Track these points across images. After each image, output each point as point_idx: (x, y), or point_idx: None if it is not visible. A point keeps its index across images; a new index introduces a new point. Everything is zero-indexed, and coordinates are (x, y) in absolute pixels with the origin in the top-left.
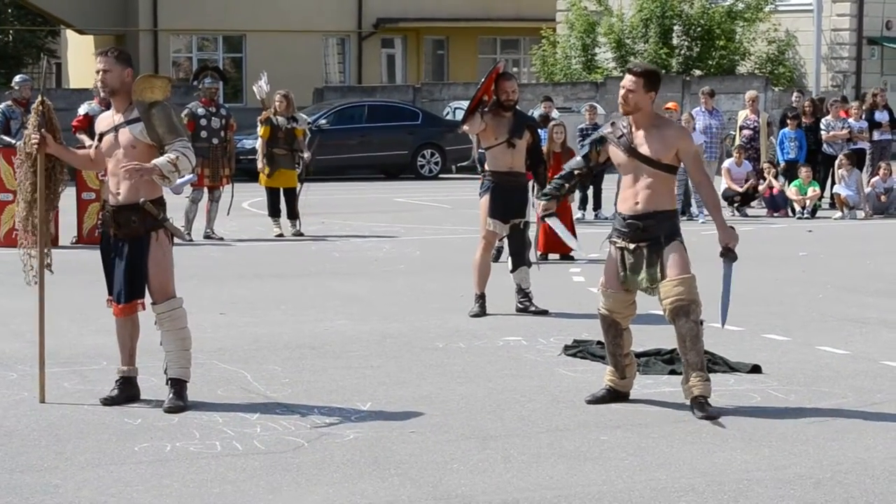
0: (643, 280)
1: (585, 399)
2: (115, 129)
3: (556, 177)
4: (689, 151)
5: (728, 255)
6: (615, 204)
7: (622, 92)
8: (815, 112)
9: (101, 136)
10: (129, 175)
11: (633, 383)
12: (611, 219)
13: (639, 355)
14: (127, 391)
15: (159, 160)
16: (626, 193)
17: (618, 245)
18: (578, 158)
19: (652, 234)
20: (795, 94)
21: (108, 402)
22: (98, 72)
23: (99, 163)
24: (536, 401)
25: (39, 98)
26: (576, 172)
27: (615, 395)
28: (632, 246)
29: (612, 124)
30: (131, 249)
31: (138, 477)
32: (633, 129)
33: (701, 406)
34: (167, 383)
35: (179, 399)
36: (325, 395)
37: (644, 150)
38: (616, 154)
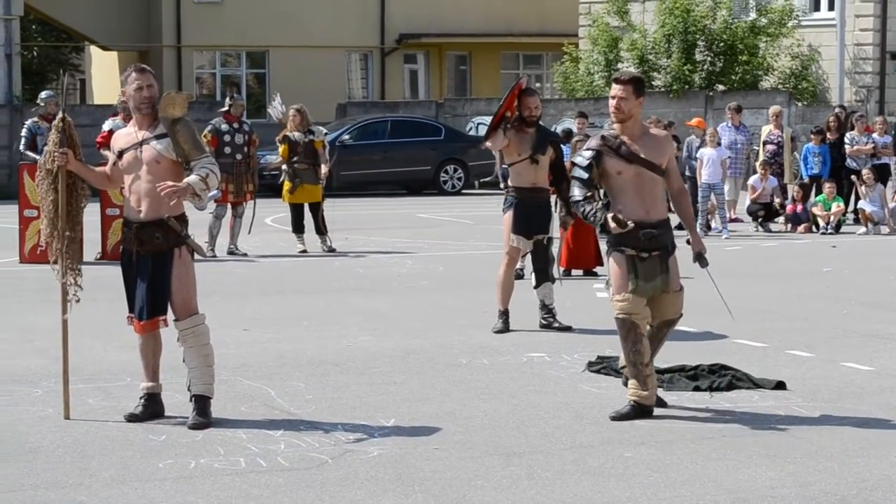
0: (657, 287)
1: (610, 416)
2: (139, 144)
3: (575, 202)
4: (674, 158)
5: (701, 259)
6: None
7: (614, 101)
8: (840, 127)
9: (121, 152)
10: (167, 197)
11: (655, 396)
12: None
13: (663, 371)
14: (151, 408)
15: (191, 179)
16: (630, 202)
17: (627, 253)
18: (583, 192)
19: (663, 242)
20: (837, 108)
21: (133, 418)
22: (140, 88)
23: (115, 180)
24: (560, 417)
25: (60, 115)
26: (588, 198)
27: (640, 410)
28: (645, 255)
29: (602, 137)
30: (154, 266)
31: (163, 494)
32: (626, 137)
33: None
34: (191, 400)
35: (203, 416)
36: (349, 412)
37: (645, 155)
38: (615, 164)
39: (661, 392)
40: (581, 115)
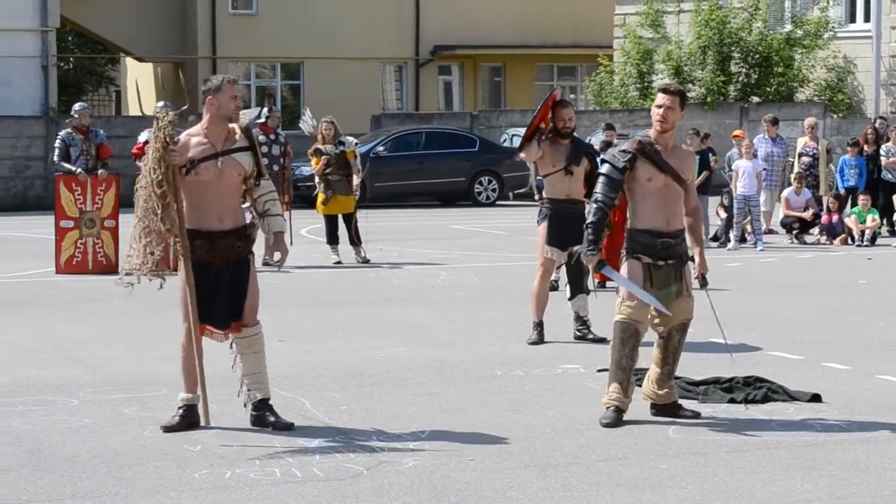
0: (671, 294)
1: (601, 422)
2: (218, 155)
3: (590, 222)
4: (694, 174)
5: (702, 281)
6: (628, 219)
7: (660, 111)
8: (878, 139)
9: (195, 161)
10: (282, 260)
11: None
12: None
13: (697, 383)
14: (189, 418)
15: (281, 225)
16: (652, 211)
17: (644, 261)
18: (609, 192)
19: (678, 251)
20: (878, 120)
21: (169, 429)
22: (235, 97)
23: (188, 188)
24: (595, 429)
25: (165, 111)
26: (613, 206)
27: (622, 414)
28: (660, 263)
29: (639, 142)
30: (235, 273)
31: (198, 503)
32: (660, 146)
33: (683, 407)
34: (254, 407)
35: (280, 416)
36: (384, 423)
37: (675, 167)
38: (647, 170)
39: (695, 405)
40: (609, 126)
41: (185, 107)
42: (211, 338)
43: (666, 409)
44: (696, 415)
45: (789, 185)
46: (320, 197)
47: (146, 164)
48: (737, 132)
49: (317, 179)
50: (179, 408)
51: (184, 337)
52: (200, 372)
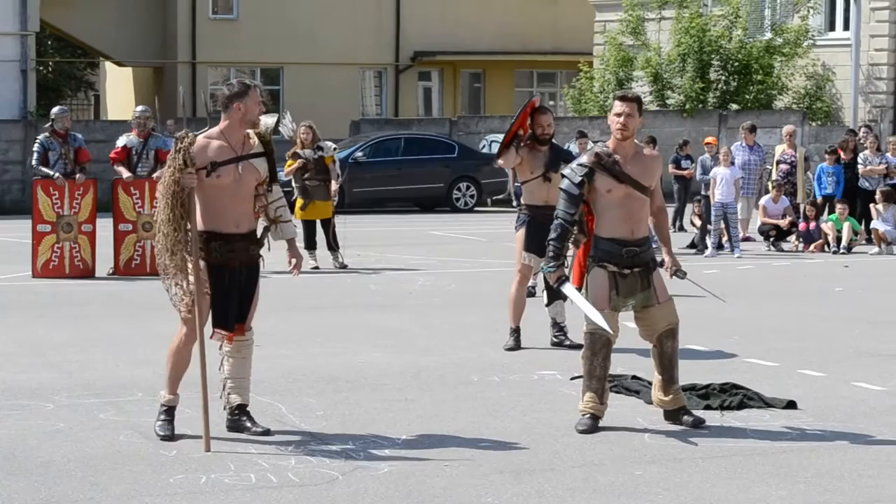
0: (637, 303)
1: (577, 429)
2: (238, 160)
3: (552, 238)
4: (660, 177)
5: (678, 273)
6: (591, 228)
7: (621, 119)
8: (856, 148)
9: (216, 164)
10: (297, 268)
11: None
12: None
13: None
14: (173, 421)
15: (293, 231)
16: (616, 220)
17: (609, 269)
18: (568, 207)
19: (644, 259)
20: (863, 128)
21: (169, 438)
22: (260, 103)
23: (204, 192)
24: (571, 435)
25: (185, 132)
26: (574, 222)
27: (598, 420)
28: (626, 271)
29: (597, 154)
30: (247, 276)
31: None
32: (620, 156)
33: (690, 414)
34: (231, 412)
35: (257, 422)
36: (360, 428)
37: (636, 176)
38: (606, 182)
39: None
40: (581, 134)
41: (207, 128)
42: (221, 341)
43: (676, 415)
44: (700, 422)
45: (766, 192)
46: (298, 202)
47: (163, 190)
48: (709, 139)
49: (292, 181)
50: (165, 411)
51: (181, 340)
52: (204, 387)
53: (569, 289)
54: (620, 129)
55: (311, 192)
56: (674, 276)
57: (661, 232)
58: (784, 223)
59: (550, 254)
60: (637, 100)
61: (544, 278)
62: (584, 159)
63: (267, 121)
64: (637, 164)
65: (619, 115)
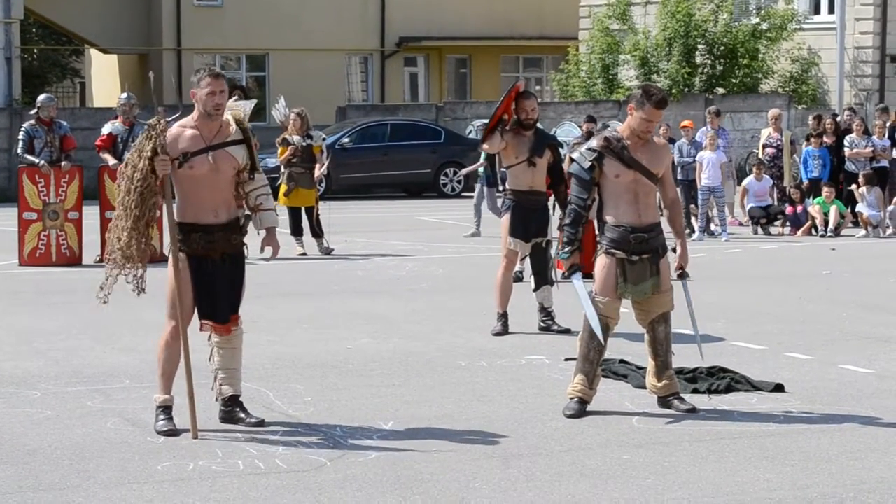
0: (647, 289)
1: (565, 413)
2: (208, 149)
3: (566, 224)
4: (669, 167)
5: (682, 274)
6: (601, 215)
7: (651, 126)
8: (838, 131)
9: (188, 154)
10: (273, 256)
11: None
12: None
13: None
14: (173, 419)
15: (273, 220)
16: (624, 206)
17: (617, 256)
18: (581, 192)
19: (653, 245)
20: (847, 111)
21: (172, 434)
22: (213, 93)
23: (179, 183)
24: (559, 419)
25: (158, 118)
26: (588, 206)
27: (585, 405)
28: (635, 258)
29: (606, 139)
30: (233, 266)
31: (160, 496)
32: (629, 142)
33: (682, 400)
34: (224, 403)
35: (250, 413)
36: (348, 414)
37: (644, 162)
38: (614, 167)
39: (692, 399)
40: (590, 119)
41: (179, 114)
42: (216, 334)
43: (668, 401)
44: (692, 409)
45: (746, 174)
46: (282, 188)
47: (128, 169)
48: (685, 122)
49: (281, 168)
50: (162, 412)
51: (168, 335)
52: (188, 374)
53: (577, 282)
54: (645, 132)
55: (296, 179)
56: (678, 276)
57: (674, 225)
58: (773, 201)
59: (565, 239)
60: (667, 104)
61: (531, 263)
62: (593, 143)
63: (245, 106)
64: (646, 151)
65: (648, 121)
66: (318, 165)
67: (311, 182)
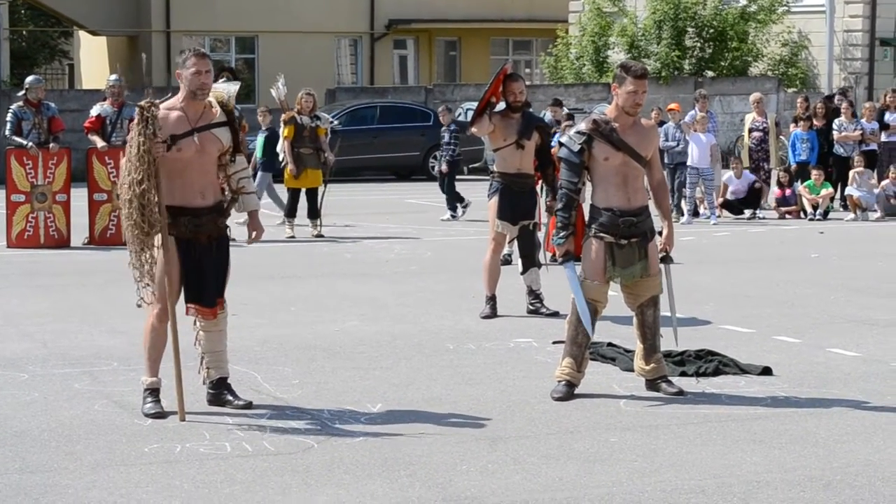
0: (636, 273)
1: (552, 396)
2: (194, 131)
3: (559, 209)
4: (657, 149)
5: (666, 258)
6: (591, 198)
7: (635, 97)
8: (827, 114)
9: (175, 137)
10: (257, 239)
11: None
12: None
13: None
14: (160, 401)
15: (255, 203)
16: (613, 189)
17: (606, 240)
18: (571, 176)
19: (642, 228)
20: (837, 94)
21: (159, 416)
22: (199, 73)
23: (167, 166)
24: (546, 402)
25: (148, 101)
26: (578, 190)
27: (573, 388)
28: (623, 241)
29: (594, 122)
30: (219, 249)
31: (148, 478)
32: (618, 123)
33: (670, 383)
34: (212, 385)
35: (238, 395)
36: (335, 396)
37: (633, 145)
38: (604, 149)
39: (680, 382)
40: (556, 102)
41: (169, 95)
42: (202, 318)
43: (656, 384)
44: (680, 392)
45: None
46: (287, 170)
47: (129, 160)
48: (672, 105)
49: (286, 148)
50: (149, 394)
51: (154, 318)
52: (176, 357)
53: (570, 270)
54: (635, 106)
55: (304, 160)
56: (661, 259)
57: (661, 207)
58: (755, 187)
59: (559, 224)
60: (647, 75)
61: (519, 246)
62: (581, 126)
63: (229, 88)
64: (634, 134)
65: (633, 92)
66: (325, 150)
67: (318, 163)
